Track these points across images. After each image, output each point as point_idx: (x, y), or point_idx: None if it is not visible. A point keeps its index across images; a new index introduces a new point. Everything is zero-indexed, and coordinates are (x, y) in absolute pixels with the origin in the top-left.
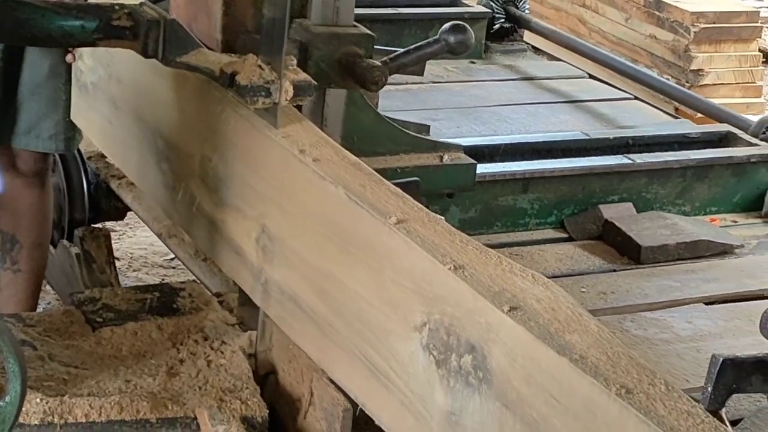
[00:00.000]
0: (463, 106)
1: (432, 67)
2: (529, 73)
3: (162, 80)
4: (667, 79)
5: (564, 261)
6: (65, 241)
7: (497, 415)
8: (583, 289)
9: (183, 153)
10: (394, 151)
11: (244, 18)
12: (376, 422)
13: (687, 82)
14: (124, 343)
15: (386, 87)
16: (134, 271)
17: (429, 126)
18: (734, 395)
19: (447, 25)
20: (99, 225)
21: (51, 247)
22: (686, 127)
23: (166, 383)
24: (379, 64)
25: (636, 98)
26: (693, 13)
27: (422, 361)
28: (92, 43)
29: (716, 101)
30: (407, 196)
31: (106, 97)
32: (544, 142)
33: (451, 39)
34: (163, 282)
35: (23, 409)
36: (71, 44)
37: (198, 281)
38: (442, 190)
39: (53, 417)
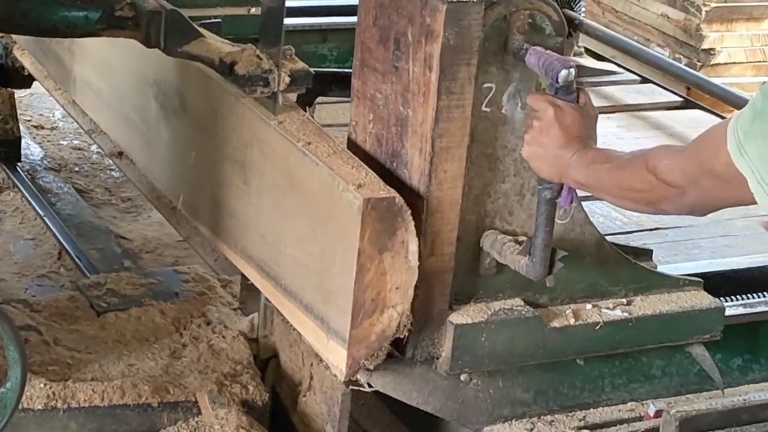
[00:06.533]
0: None
1: None
2: None
3: None
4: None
5: None
6: None
7: (188, 132)
8: None
9: None
10: (210, 4)
11: None
12: (134, 162)
13: (698, 61)
14: (128, 327)
15: None
16: (147, 252)
17: None
18: None
19: None
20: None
21: None
22: None
23: (167, 367)
24: None
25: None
26: None
27: (154, 108)
28: (96, 33)
29: (728, 80)
30: None
31: None
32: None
33: None
34: (169, 266)
35: (27, 393)
36: (75, 35)
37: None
38: (248, 35)
39: (56, 402)
